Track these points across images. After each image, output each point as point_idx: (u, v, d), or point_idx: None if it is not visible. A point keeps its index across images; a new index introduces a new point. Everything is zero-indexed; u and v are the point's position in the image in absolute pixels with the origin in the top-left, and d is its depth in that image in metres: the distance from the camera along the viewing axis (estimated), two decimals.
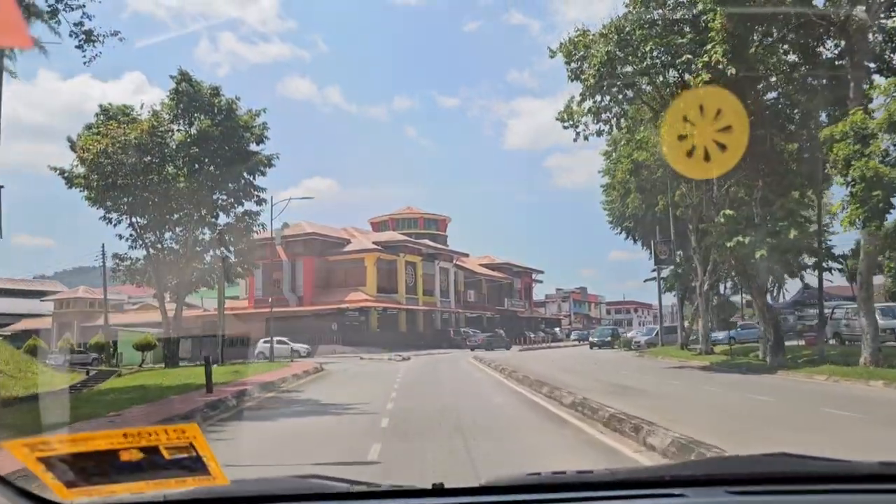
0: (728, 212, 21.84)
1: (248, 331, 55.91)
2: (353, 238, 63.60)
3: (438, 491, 1.97)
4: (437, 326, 65.77)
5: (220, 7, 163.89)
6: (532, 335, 76.54)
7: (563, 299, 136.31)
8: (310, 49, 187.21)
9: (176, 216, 37.80)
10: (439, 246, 68.29)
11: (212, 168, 37.33)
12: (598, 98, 23.68)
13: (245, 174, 38.10)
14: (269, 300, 50.90)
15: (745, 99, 18.60)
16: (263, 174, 38.16)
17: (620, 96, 24.28)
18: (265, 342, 49.04)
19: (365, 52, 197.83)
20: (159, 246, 38.83)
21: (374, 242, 61.74)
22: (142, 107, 36.79)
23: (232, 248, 40.37)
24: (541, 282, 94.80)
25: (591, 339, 58.18)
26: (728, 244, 21.00)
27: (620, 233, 50.85)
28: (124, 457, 1.18)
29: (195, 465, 1.23)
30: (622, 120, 25.36)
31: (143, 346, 43.11)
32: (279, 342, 49.16)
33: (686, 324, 41.61)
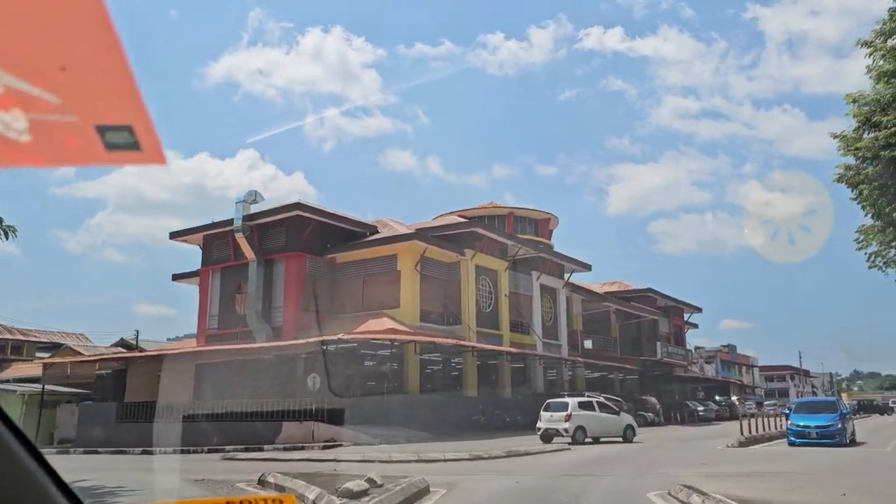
0: None
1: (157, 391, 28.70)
2: (386, 228, 35.82)
3: None
4: (536, 388, 36.25)
5: (325, 85, 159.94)
6: (700, 409, 45.26)
7: (706, 359, 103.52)
8: (411, 122, 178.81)
9: None
10: (541, 248, 39.15)
11: None
12: None
13: None
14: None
15: None
16: None
17: None
18: (569, 400, 24.47)
19: (464, 122, 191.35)
20: None
21: (420, 230, 33.65)
22: None
23: None
24: (696, 326, 63.52)
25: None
26: None
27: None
28: None
29: None
30: None
31: None
32: (605, 407, 25.67)
33: None
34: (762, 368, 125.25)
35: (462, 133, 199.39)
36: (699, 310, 60.31)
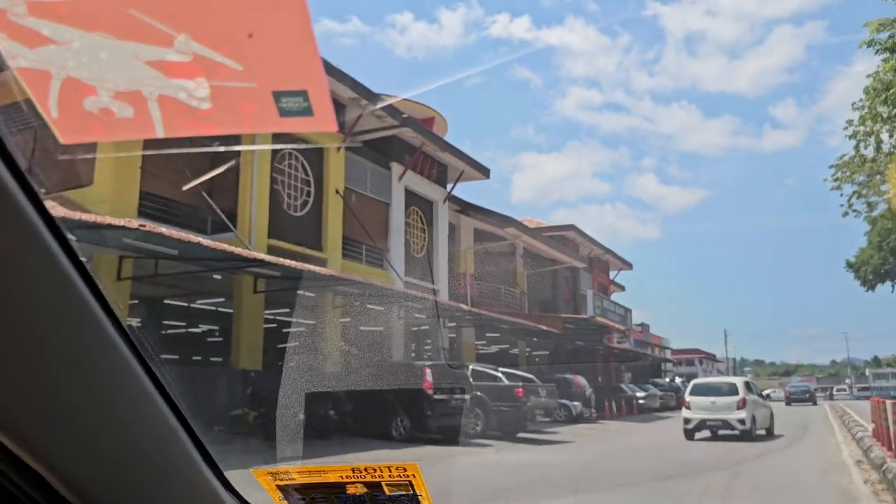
0: None
1: None
2: None
3: None
4: (389, 356, 20.64)
5: None
6: (641, 395, 31.57)
7: (619, 340, 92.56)
8: None
9: None
10: (407, 121, 23.25)
11: None
12: None
13: None
14: None
15: None
16: None
17: None
18: (735, 380, 18.81)
19: None
20: None
21: None
22: None
23: None
24: (623, 288, 50.23)
25: None
26: None
27: None
28: (350, 490, 1.26)
29: None
30: None
31: None
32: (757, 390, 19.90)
33: None
34: (675, 351, 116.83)
35: None
36: (629, 266, 46.86)
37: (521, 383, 17.10)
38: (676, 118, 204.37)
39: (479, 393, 16.45)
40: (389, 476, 1.24)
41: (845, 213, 28.15)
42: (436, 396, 14.69)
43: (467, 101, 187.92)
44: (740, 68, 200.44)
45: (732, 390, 17.20)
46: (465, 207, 27.32)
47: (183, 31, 0.59)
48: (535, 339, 31.71)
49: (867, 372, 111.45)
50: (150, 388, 0.86)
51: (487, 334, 29.43)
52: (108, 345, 0.79)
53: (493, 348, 31.76)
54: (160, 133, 0.64)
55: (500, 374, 17.53)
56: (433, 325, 24.33)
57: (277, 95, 0.63)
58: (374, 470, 1.24)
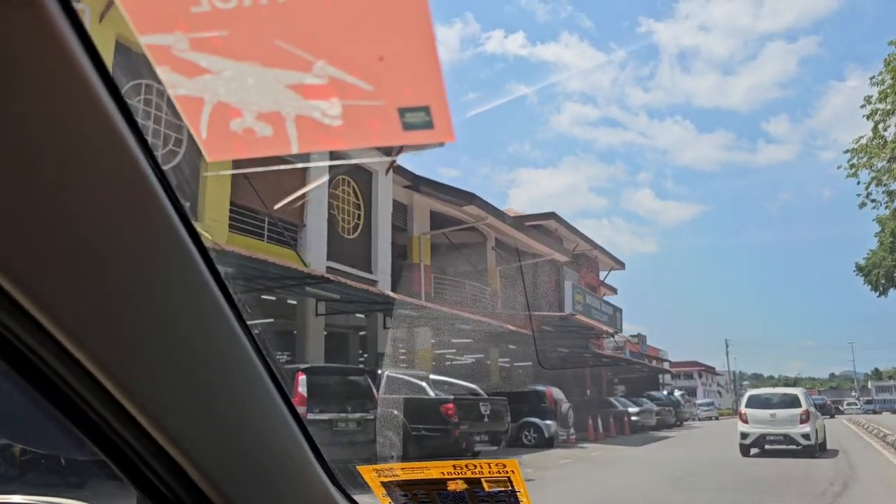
0: None
1: None
2: None
3: None
4: (305, 357, 15.52)
5: None
6: (634, 411, 26.59)
7: (614, 349, 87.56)
8: None
9: None
10: None
11: None
12: None
13: None
14: None
15: None
16: None
17: None
18: (798, 392, 17.76)
19: None
20: None
21: None
22: None
23: None
24: (615, 291, 45.28)
25: None
26: None
27: None
28: (451, 486, 1.28)
29: (509, 500, 1.27)
30: None
31: None
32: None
33: None
34: (673, 363, 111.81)
35: None
36: (622, 265, 41.92)
37: (451, 397, 12.06)
38: (671, 133, 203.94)
39: (394, 411, 11.42)
40: (489, 472, 1.24)
41: (862, 204, 24.28)
42: (311, 416, 9.66)
43: (462, 118, 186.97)
44: (734, 84, 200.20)
45: (794, 402, 16.17)
46: (417, 182, 22.33)
47: (321, 58, 0.64)
48: (510, 346, 26.76)
49: (870, 385, 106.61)
50: (269, 383, 0.90)
51: (453, 340, 24.50)
52: (239, 343, 0.83)
53: (468, 358, 26.93)
54: (295, 149, 0.68)
55: (425, 385, 12.47)
56: (372, 321, 19.41)
57: (402, 111, 0.66)
58: (475, 466, 1.25)
